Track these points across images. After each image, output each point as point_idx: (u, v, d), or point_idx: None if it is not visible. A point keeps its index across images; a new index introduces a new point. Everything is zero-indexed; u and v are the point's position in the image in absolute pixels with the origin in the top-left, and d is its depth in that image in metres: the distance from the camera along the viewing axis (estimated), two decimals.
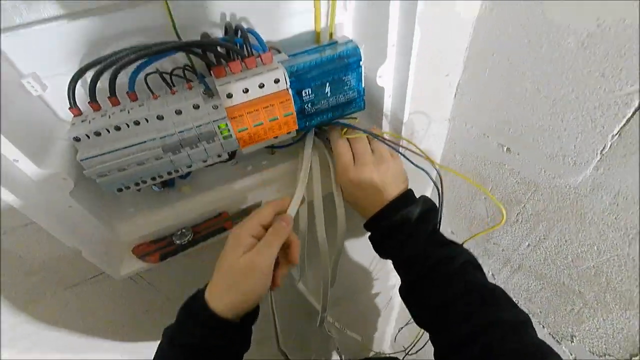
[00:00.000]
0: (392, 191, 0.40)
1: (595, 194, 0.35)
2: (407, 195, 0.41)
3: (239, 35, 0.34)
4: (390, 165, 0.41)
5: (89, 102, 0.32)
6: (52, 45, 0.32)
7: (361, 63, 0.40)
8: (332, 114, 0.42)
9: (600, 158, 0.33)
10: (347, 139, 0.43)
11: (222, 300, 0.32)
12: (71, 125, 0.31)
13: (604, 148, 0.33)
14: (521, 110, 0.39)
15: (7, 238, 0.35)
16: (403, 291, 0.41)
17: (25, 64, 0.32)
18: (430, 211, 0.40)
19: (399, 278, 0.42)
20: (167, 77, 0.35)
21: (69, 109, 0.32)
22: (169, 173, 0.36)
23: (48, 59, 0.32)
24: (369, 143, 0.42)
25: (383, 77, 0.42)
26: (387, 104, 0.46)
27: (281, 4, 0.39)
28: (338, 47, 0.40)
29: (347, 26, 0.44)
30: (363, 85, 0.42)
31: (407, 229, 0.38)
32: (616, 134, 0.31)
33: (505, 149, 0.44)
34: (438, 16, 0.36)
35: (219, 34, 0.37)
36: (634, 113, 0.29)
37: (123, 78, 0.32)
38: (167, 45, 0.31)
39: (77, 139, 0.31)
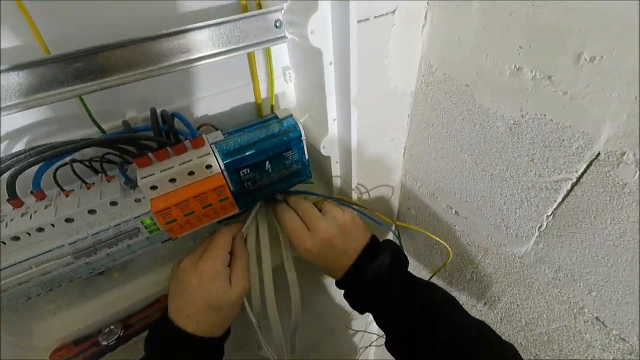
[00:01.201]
0: (356, 245, 0.38)
1: (539, 267, 0.35)
2: (372, 246, 0.39)
3: (162, 123, 0.32)
4: (345, 220, 0.39)
5: None
6: None
7: (302, 138, 0.38)
8: (277, 186, 0.40)
9: (539, 234, 0.33)
10: (293, 208, 0.41)
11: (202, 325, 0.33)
12: None
13: (540, 226, 0.33)
14: (463, 179, 0.40)
15: None
16: (392, 347, 0.38)
17: None
18: (399, 258, 0.38)
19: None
20: (82, 165, 0.32)
21: None
22: (90, 272, 0.32)
23: None
24: (315, 205, 0.40)
25: (327, 148, 0.41)
26: (336, 170, 0.45)
27: (218, 82, 0.37)
28: (276, 124, 0.38)
29: (289, 95, 0.43)
30: (307, 157, 0.41)
31: (380, 284, 0.36)
32: (550, 215, 0.31)
33: (453, 212, 0.44)
34: (374, 93, 0.36)
35: (145, 113, 0.35)
36: (563, 198, 0.29)
37: (30, 172, 0.29)
38: (75, 144, 0.28)
39: None
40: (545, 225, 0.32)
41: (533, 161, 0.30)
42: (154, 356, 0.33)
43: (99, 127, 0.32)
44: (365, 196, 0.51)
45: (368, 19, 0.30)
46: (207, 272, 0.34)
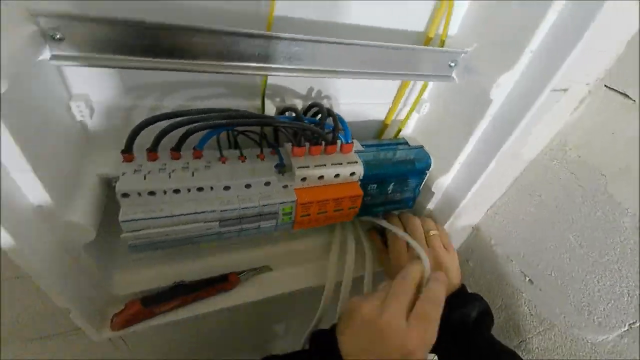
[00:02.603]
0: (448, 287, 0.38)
1: (613, 357, 0.37)
2: (463, 292, 0.39)
3: (328, 121, 0.32)
4: (446, 260, 0.39)
5: (148, 150, 0.27)
6: (121, 72, 0.27)
7: (427, 171, 0.40)
8: (383, 208, 0.41)
9: (628, 329, 0.35)
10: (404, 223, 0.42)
11: None
12: (121, 175, 0.26)
13: (634, 322, 0.35)
14: (556, 254, 0.41)
15: None
16: None
17: (79, 83, 0.27)
18: (487, 312, 0.38)
19: None
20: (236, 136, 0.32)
21: (122, 152, 0.27)
22: (213, 240, 0.32)
23: (108, 83, 0.28)
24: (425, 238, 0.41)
25: (438, 186, 0.42)
26: (432, 205, 0.46)
27: (363, 94, 0.38)
28: (408, 151, 0.39)
29: (411, 124, 0.45)
30: (420, 189, 0.42)
31: (463, 331, 0.36)
32: None
33: (527, 279, 0.46)
34: (509, 155, 0.38)
35: (298, 105, 0.35)
36: None
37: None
38: (264, 119, 0.28)
39: (124, 195, 0.25)
40: (639, 324, 0.34)
41: None
42: None
43: (263, 104, 0.32)
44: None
45: (554, 89, 0.31)
46: (388, 324, 0.28)
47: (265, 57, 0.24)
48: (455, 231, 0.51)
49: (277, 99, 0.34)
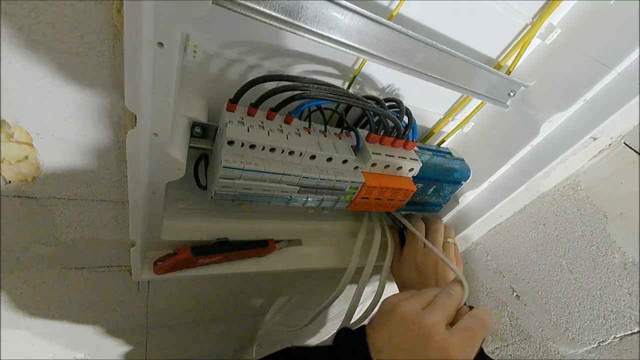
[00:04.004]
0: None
1: None
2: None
3: (405, 119, 0.35)
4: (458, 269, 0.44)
5: (250, 104, 0.28)
6: (242, 28, 0.28)
7: (463, 182, 0.44)
8: (414, 207, 0.45)
9: (597, 346, 0.42)
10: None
11: None
12: (228, 123, 0.27)
13: (603, 341, 0.42)
14: (547, 277, 0.48)
15: (53, 203, 0.26)
16: None
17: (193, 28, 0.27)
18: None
19: None
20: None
21: (229, 101, 0.28)
22: (283, 204, 0.33)
23: (226, 35, 0.28)
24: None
25: (464, 198, 0.47)
26: (451, 214, 0.50)
27: (425, 100, 0.42)
28: (453, 160, 0.43)
29: (451, 139, 0.49)
30: (451, 197, 0.46)
31: None
32: (618, 337, 0.40)
33: (514, 295, 0.52)
34: (529, 189, 0.43)
35: (375, 94, 0.38)
36: (638, 332, 0.38)
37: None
38: (365, 104, 0.30)
39: (230, 142, 0.26)
40: (608, 342, 0.41)
41: (630, 295, 0.39)
42: None
43: (348, 87, 0.35)
44: None
45: (592, 137, 0.37)
46: (435, 331, 0.28)
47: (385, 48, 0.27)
48: (458, 239, 0.57)
49: (357, 87, 0.36)
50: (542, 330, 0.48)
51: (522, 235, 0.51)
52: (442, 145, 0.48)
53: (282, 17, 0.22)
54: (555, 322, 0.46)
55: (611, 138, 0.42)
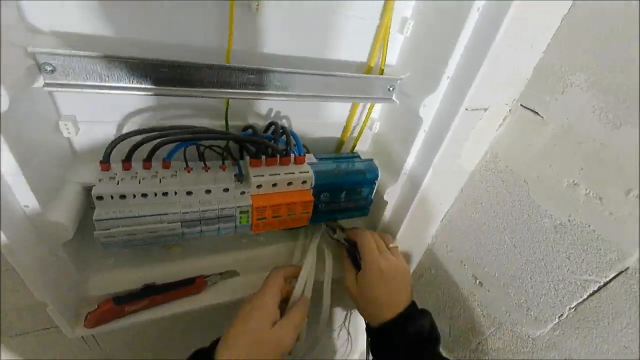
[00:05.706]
0: (405, 295, 0.42)
1: (550, 351, 0.40)
2: (415, 305, 0.43)
3: (282, 137, 0.38)
4: (403, 264, 0.44)
5: (123, 160, 0.32)
6: (102, 96, 0.33)
7: (376, 181, 0.45)
8: (339, 215, 0.46)
9: (558, 322, 0.39)
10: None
11: None
12: (98, 181, 0.31)
13: (562, 315, 0.38)
14: (498, 256, 0.45)
15: None
16: None
17: (67, 105, 0.32)
18: (435, 327, 0.42)
19: None
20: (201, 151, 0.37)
21: (100, 162, 0.32)
22: (178, 240, 0.36)
23: (92, 105, 0.33)
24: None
25: (389, 194, 0.47)
26: (387, 214, 0.50)
27: (321, 114, 0.44)
28: (359, 163, 0.44)
29: (366, 140, 0.50)
30: (372, 197, 0.46)
31: (419, 343, 0.40)
32: (573, 308, 0.37)
33: (478, 282, 0.49)
34: (444, 164, 0.43)
35: (261, 122, 0.41)
36: (589, 296, 0.35)
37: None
38: (227, 135, 0.33)
39: (99, 198, 0.30)
40: (566, 315, 0.37)
41: (569, 259, 0.36)
42: None
43: (226, 123, 0.38)
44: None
45: (467, 109, 0.37)
46: (255, 303, 0.35)
47: (258, 85, 0.30)
48: (417, 239, 0.56)
49: (236, 120, 0.40)
50: (509, 315, 0.45)
51: (467, 218, 0.50)
52: (359, 150, 0.49)
53: (97, 83, 0.26)
54: (517, 304, 0.43)
55: (507, 104, 0.42)
